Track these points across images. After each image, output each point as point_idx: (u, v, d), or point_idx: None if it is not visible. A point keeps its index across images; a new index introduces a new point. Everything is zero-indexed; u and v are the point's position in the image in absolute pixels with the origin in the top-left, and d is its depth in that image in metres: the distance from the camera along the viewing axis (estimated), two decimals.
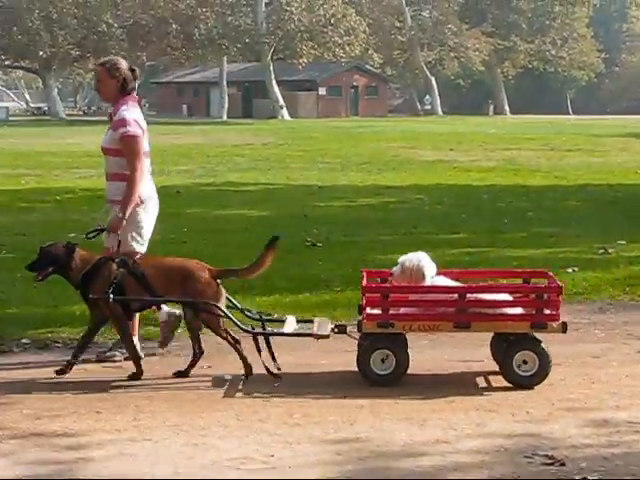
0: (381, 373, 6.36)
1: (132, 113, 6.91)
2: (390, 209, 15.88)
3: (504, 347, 6.46)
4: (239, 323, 6.56)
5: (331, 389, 6.24)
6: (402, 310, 6.49)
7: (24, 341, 7.54)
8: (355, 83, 72.53)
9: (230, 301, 6.72)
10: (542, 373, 6.32)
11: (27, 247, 10.01)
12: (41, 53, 64.01)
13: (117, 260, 6.54)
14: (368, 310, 6.41)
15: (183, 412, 5.78)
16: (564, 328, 6.36)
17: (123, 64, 7.02)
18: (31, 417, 5.69)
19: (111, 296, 6.40)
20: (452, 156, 27.85)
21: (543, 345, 6.35)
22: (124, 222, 6.74)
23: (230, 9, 62.44)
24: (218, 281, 6.55)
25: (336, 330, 6.67)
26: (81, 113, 77.22)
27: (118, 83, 6.93)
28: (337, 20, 61.48)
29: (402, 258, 6.57)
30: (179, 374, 6.56)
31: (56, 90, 71.80)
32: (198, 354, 6.62)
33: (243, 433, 5.40)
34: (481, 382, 6.52)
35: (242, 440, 5.28)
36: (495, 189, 19.02)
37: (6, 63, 71.27)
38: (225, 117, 62.67)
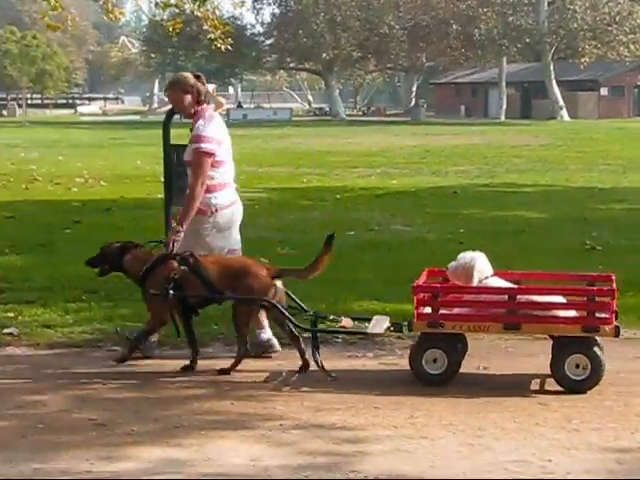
0: (433, 372, 6.33)
1: (209, 128, 7.00)
2: None
3: (555, 350, 6.30)
4: (294, 320, 6.66)
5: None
6: (454, 310, 6.45)
7: None
8: (639, 83, 69.93)
9: (292, 299, 6.85)
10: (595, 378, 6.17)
11: (307, 244, 10.32)
12: (324, 55, 65.84)
13: (178, 258, 6.70)
14: (419, 310, 6.39)
15: (458, 412, 5.77)
16: (617, 332, 6.18)
17: (189, 77, 7.14)
18: (312, 409, 5.86)
19: (171, 292, 6.57)
20: None
21: (596, 349, 6.17)
22: (181, 235, 6.83)
23: (512, 9, 61.71)
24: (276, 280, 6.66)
25: (392, 329, 6.70)
26: (360, 114, 78.65)
27: (192, 96, 7.06)
28: (622, 18, 59.48)
29: (459, 256, 6.53)
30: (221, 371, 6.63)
31: (337, 91, 73.57)
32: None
33: (520, 436, 5.33)
34: None
35: (519, 443, 5.22)
36: None
37: (291, 65, 73.93)
38: (503, 118, 62.01)
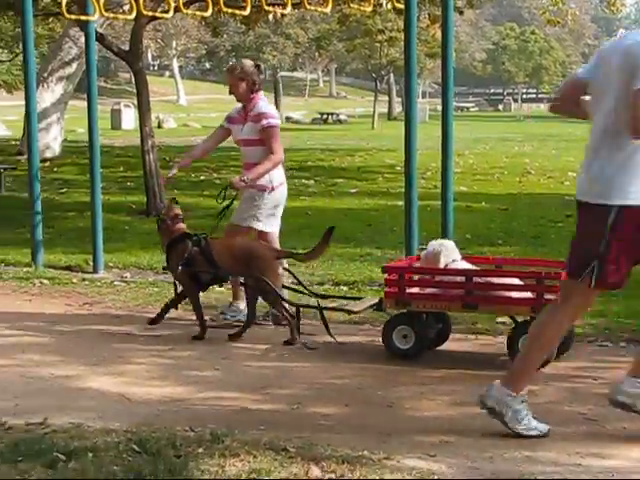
0: (403, 348, 6.84)
1: (269, 107, 7.93)
2: None
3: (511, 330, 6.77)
4: (287, 298, 7.47)
5: None
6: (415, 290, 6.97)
7: None
8: None
9: (295, 278, 7.73)
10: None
11: None
12: None
13: (194, 238, 7.48)
14: (387, 289, 6.95)
15: None
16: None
17: (248, 65, 7.88)
18: None
19: (180, 267, 7.39)
20: None
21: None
22: (244, 184, 7.64)
23: None
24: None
25: (375, 307, 7.24)
26: None
27: (248, 84, 7.79)
28: None
29: (429, 243, 7.13)
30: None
31: None
32: (250, 320, 7.52)
33: None
34: None
35: None
36: None
37: None
38: None
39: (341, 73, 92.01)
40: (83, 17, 10.25)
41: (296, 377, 6.53)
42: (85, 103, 10.62)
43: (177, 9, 9.83)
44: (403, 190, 9.53)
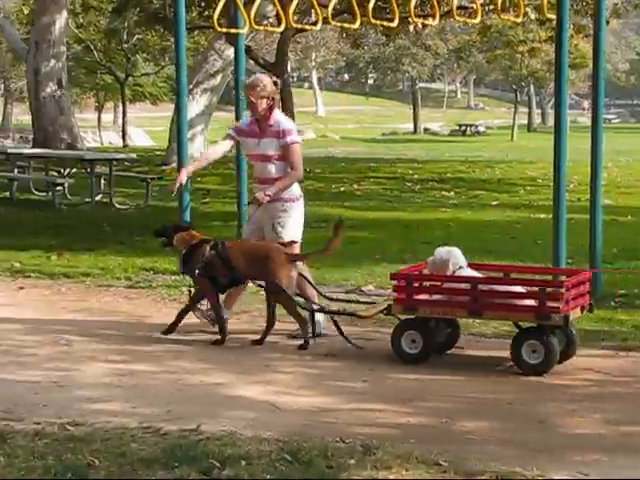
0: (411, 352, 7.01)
1: (291, 123, 8.00)
2: None
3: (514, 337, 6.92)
4: (297, 300, 7.59)
5: None
6: (423, 297, 7.15)
7: None
8: None
9: (310, 283, 7.80)
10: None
11: None
12: None
13: (211, 243, 7.67)
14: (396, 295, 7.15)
15: None
16: (566, 321, 6.66)
17: (269, 83, 7.84)
18: None
19: (197, 271, 7.60)
20: None
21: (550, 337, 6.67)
22: (267, 199, 7.64)
23: None
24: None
25: (385, 312, 7.25)
26: None
27: (268, 101, 7.80)
28: None
29: (436, 250, 7.22)
30: (254, 342, 7.57)
31: None
32: (270, 325, 7.63)
33: None
34: None
35: None
36: None
37: None
38: None
39: (479, 84, 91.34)
40: (233, 30, 10.40)
41: (441, 390, 6.51)
42: (227, 114, 10.79)
43: (325, 21, 9.90)
44: (546, 203, 9.43)
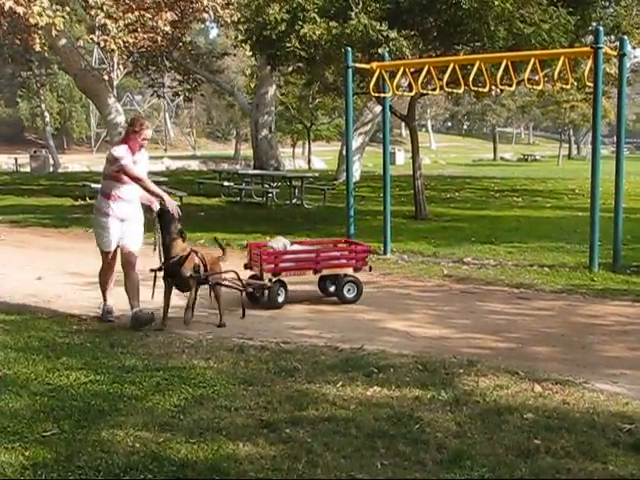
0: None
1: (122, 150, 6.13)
2: None
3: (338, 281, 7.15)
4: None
5: None
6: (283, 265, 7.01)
7: None
8: None
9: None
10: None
11: None
12: None
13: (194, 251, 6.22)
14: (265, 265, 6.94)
15: None
16: (370, 269, 7.37)
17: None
18: None
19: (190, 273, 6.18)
20: None
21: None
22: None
23: None
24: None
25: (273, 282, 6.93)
26: None
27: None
28: None
29: (274, 239, 7.36)
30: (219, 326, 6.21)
31: None
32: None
33: None
34: None
35: None
36: None
37: None
38: None
39: (536, 128, 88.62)
40: (382, 94, 10.46)
41: (519, 326, 6.40)
42: (374, 148, 10.81)
43: (441, 87, 9.82)
44: (582, 206, 9.07)
